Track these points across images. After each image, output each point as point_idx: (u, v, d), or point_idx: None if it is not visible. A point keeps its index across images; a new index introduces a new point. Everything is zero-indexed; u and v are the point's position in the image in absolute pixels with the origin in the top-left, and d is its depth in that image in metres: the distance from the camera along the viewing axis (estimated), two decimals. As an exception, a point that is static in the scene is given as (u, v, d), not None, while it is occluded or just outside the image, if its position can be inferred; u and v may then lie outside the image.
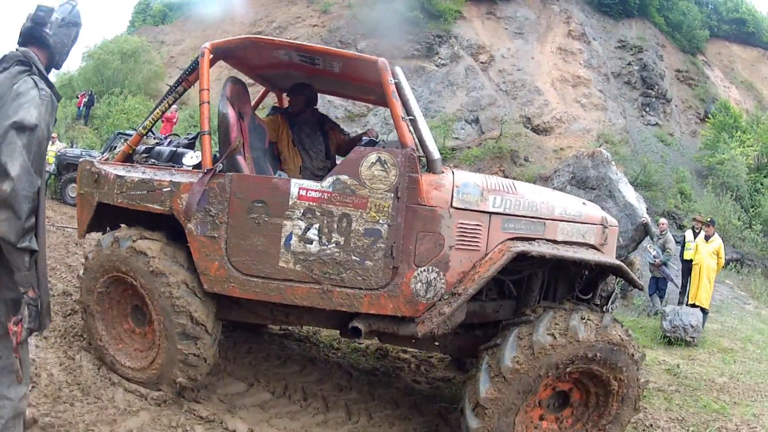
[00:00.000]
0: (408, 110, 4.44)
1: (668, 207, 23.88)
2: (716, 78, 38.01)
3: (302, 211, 4.29)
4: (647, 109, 30.99)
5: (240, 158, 4.60)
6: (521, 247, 4.23)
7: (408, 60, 28.81)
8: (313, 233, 4.30)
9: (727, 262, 20.29)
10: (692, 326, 10.29)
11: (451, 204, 4.28)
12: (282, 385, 5.35)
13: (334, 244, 4.28)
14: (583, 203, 5.04)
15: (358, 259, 4.26)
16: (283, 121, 5.95)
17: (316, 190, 4.29)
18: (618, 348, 4.17)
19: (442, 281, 4.26)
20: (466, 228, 4.31)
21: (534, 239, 4.49)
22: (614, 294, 5.29)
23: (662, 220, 14.24)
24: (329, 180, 4.30)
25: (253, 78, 6.28)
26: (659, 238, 13.32)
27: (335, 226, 4.28)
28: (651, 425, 6.19)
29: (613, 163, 15.13)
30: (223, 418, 4.52)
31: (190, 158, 5.26)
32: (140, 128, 5.35)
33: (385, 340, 5.05)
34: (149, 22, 42.80)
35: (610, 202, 13.79)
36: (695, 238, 12.70)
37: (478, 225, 4.34)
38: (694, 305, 11.41)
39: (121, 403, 4.47)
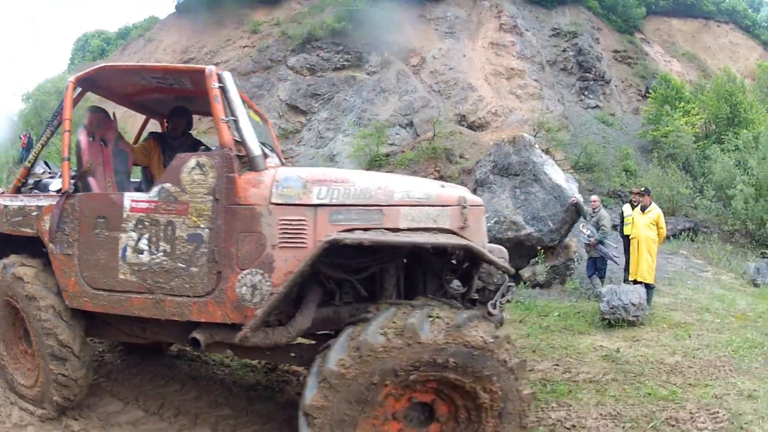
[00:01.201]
0: (232, 112, 4.40)
1: (613, 186, 23.56)
2: (656, 54, 38.46)
3: (134, 222, 4.35)
4: (586, 92, 31.06)
5: (91, 179, 4.82)
6: (334, 236, 3.82)
7: (338, 71, 28.81)
8: (143, 243, 4.32)
9: (681, 231, 20.22)
10: (634, 304, 9.52)
11: (270, 200, 4.08)
12: (158, 403, 5.40)
13: (162, 253, 4.26)
14: (441, 185, 4.50)
15: (183, 266, 4.17)
16: (155, 145, 5.94)
17: (144, 201, 4.34)
18: (481, 353, 3.65)
19: (268, 283, 3.99)
20: (288, 224, 4.04)
21: (370, 229, 4.01)
22: (504, 286, 4.84)
23: (594, 197, 13.44)
24: (155, 189, 4.32)
25: (129, 107, 6.26)
26: (592, 217, 12.60)
27: (162, 234, 4.26)
28: (574, 426, 5.42)
29: (536, 146, 14.61)
30: (94, 435, 4.68)
31: (55, 184, 5.43)
32: (26, 162, 5.62)
33: (237, 352, 4.74)
34: (88, 58, 42.58)
35: (536, 186, 13.48)
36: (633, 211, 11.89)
37: (302, 220, 4.05)
38: (636, 282, 10.72)
39: (16, 419, 4.92)
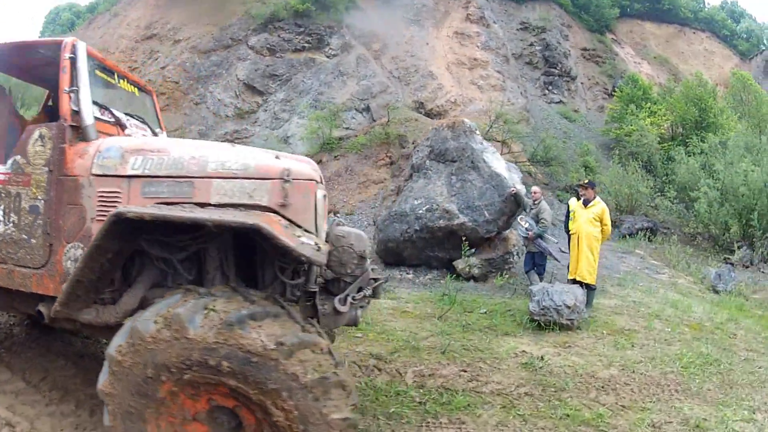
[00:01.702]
0: (75, 82, 4.22)
1: (571, 181, 22.73)
2: (627, 55, 39.12)
3: None
4: (550, 87, 31.06)
5: None
6: (119, 210, 3.39)
7: (298, 53, 27.87)
8: (2, 215, 4.28)
9: (638, 231, 19.62)
10: (568, 306, 8.41)
11: (91, 171, 3.94)
12: (40, 376, 5.36)
13: (11, 224, 4.20)
14: (276, 156, 4.00)
15: (26, 237, 4.12)
16: (44, 118, 5.78)
17: (1, 173, 4.28)
18: (261, 360, 3.08)
19: None
20: (105, 196, 3.87)
21: (178, 203, 3.72)
22: (363, 278, 4.32)
23: (535, 188, 12.23)
24: (9, 161, 4.27)
25: (31, 82, 6.03)
26: (532, 209, 11.55)
27: (12, 206, 4.20)
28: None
29: (477, 132, 13.78)
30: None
31: None
32: None
33: (84, 330, 4.48)
34: (58, 31, 41.70)
35: (473, 174, 12.70)
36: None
37: (117, 192, 3.86)
38: (574, 281, 9.59)
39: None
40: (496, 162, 13.05)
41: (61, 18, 44.19)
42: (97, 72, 5.11)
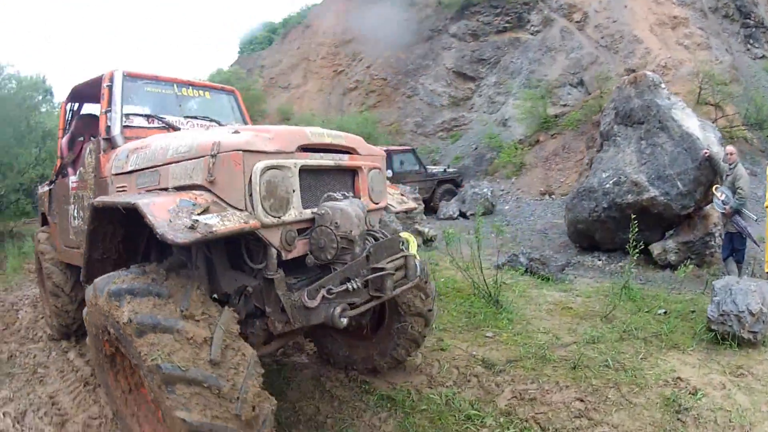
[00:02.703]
0: (111, 105, 5.24)
1: None
2: None
3: (72, 198, 5.69)
4: (751, 41, 28.50)
5: (70, 170, 6.05)
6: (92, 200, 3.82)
7: (500, 34, 27.80)
8: (76, 212, 5.64)
9: None
10: (752, 313, 6.05)
11: (111, 172, 4.61)
12: None
13: (80, 219, 5.50)
14: (235, 131, 3.70)
15: None
16: None
17: (75, 181, 5.64)
18: (123, 334, 3.17)
19: None
20: (119, 191, 4.46)
21: (154, 190, 3.89)
22: (350, 267, 3.77)
23: (729, 147, 9.48)
24: (77, 172, 5.64)
25: None
26: (728, 174, 9.17)
27: (80, 205, 5.47)
28: None
29: (663, 86, 11.86)
30: None
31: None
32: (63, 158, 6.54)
33: None
34: (256, 48, 43.63)
35: (662, 136, 10.97)
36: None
37: (124, 186, 4.39)
38: None
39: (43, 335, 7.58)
40: (687, 119, 11.01)
41: (257, 37, 45.64)
42: (148, 89, 5.92)
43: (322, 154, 4.01)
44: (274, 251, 3.57)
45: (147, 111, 5.62)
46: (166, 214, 3.12)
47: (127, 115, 5.33)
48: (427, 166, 20.65)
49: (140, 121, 5.40)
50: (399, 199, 5.29)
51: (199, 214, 3.19)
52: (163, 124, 5.50)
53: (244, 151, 3.43)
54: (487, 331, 6.96)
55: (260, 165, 3.43)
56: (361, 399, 5.27)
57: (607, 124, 12.24)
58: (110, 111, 5.18)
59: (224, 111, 6.65)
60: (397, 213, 5.34)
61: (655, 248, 10.71)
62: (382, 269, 3.78)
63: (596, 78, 23.14)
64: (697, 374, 5.51)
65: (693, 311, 7.40)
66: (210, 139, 3.58)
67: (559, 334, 6.84)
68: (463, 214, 18.06)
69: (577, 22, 27.45)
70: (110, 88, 5.37)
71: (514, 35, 27.72)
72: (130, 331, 3.06)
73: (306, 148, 3.90)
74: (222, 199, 3.45)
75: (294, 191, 3.67)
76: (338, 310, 3.53)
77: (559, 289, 9.09)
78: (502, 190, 20.92)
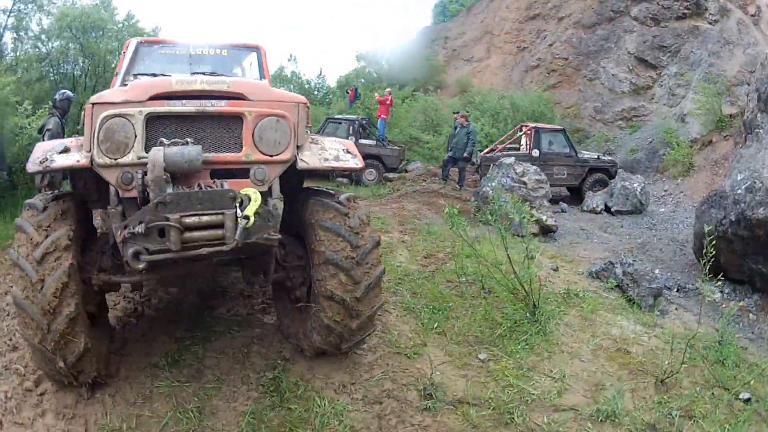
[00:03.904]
0: (122, 70, 6.05)
1: None
2: None
3: None
4: None
5: None
6: None
7: (680, 21, 26.20)
8: None
9: None
10: None
11: None
12: None
13: None
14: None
15: None
16: None
17: None
18: None
19: None
20: None
21: None
22: (147, 210, 3.78)
23: None
24: None
25: None
26: None
27: None
28: None
29: None
30: None
31: None
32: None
33: None
34: (447, 21, 43.67)
35: None
36: None
37: None
38: None
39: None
40: None
41: (448, 9, 45.53)
42: (162, 51, 6.52)
43: (185, 101, 4.13)
44: (112, 188, 3.97)
45: (155, 71, 5.85)
46: (41, 154, 4.01)
47: (136, 75, 5.70)
48: (580, 151, 18.95)
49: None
50: (336, 154, 4.69)
51: (58, 154, 3.99)
52: None
53: (94, 103, 4.00)
54: (484, 352, 5.69)
55: (102, 114, 3.87)
56: (249, 370, 5.14)
57: (751, 112, 9.49)
58: (118, 74, 5.83)
59: (242, 67, 6.92)
60: (308, 170, 4.60)
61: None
62: (166, 219, 3.71)
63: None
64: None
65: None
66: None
67: (570, 386, 5.22)
68: (608, 209, 15.98)
69: (752, 15, 25.90)
70: (124, 54, 6.12)
71: (693, 23, 26.08)
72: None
73: (171, 96, 4.12)
74: (83, 144, 4.06)
75: (136, 137, 3.92)
76: (130, 251, 3.72)
77: (639, 320, 6.92)
78: (665, 191, 19.42)
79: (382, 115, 21.43)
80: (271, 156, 4.29)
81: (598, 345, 6.12)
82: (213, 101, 4.16)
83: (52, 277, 3.90)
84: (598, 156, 18.58)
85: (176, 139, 3.99)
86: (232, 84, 4.34)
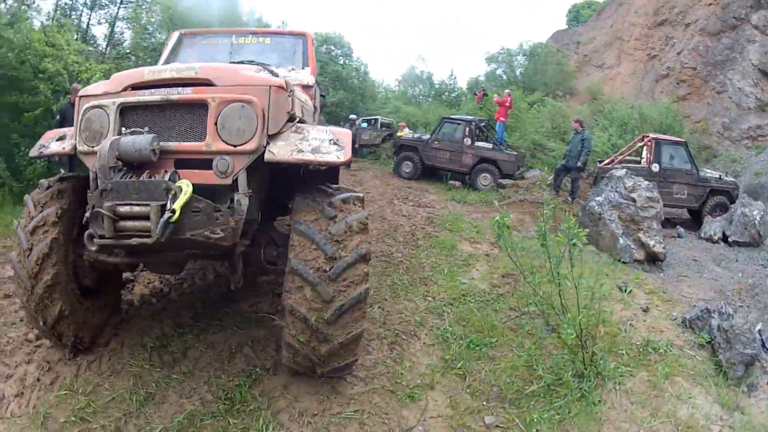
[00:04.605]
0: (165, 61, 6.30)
1: None
2: None
3: None
4: None
5: None
6: None
7: None
8: None
9: None
10: None
11: None
12: None
13: None
14: None
15: None
16: None
17: None
18: None
19: None
20: None
21: None
22: (94, 199, 3.88)
23: None
24: None
25: None
26: None
27: None
28: None
29: None
30: None
31: None
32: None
33: None
34: (576, 25, 42.99)
35: None
36: None
37: None
38: None
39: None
40: None
41: (581, 15, 44.70)
42: (204, 42, 6.81)
43: (155, 90, 4.09)
44: (91, 174, 4.06)
45: (192, 61, 6.14)
46: (43, 140, 4.68)
47: None
48: (702, 168, 16.51)
49: None
50: (317, 146, 4.21)
51: (55, 141, 4.54)
52: None
53: (80, 96, 4.35)
54: (496, 414, 4.63)
55: (85, 106, 4.18)
56: (222, 371, 4.99)
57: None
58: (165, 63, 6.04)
59: (285, 55, 6.80)
60: (277, 162, 4.13)
61: None
62: (101, 206, 3.69)
63: None
64: None
65: None
66: None
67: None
68: (725, 239, 13.17)
69: None
70: (167, 46, 6.42)
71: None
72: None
73: (146, 86, 4.12)
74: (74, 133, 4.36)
75: (109, 126, 4.03)
76: (86, 233, 3.83)
77: (721, 398, 5.04)
78: (789, 222, 16.89)
79: (501, 118, 20.69)
80: (235, 146, 3.96)
81: (658, 427, 4.53)
82: (180, 89, 4.03)
83: (38, 247, 4.36)
84: (720, 176, 15.83)
85: (136, 129, 3.96)
86: (200, 70, 4.13)
